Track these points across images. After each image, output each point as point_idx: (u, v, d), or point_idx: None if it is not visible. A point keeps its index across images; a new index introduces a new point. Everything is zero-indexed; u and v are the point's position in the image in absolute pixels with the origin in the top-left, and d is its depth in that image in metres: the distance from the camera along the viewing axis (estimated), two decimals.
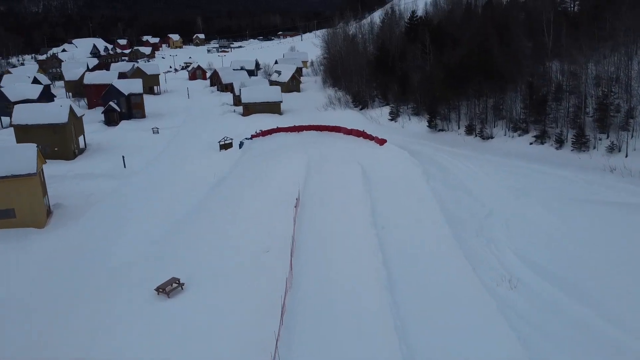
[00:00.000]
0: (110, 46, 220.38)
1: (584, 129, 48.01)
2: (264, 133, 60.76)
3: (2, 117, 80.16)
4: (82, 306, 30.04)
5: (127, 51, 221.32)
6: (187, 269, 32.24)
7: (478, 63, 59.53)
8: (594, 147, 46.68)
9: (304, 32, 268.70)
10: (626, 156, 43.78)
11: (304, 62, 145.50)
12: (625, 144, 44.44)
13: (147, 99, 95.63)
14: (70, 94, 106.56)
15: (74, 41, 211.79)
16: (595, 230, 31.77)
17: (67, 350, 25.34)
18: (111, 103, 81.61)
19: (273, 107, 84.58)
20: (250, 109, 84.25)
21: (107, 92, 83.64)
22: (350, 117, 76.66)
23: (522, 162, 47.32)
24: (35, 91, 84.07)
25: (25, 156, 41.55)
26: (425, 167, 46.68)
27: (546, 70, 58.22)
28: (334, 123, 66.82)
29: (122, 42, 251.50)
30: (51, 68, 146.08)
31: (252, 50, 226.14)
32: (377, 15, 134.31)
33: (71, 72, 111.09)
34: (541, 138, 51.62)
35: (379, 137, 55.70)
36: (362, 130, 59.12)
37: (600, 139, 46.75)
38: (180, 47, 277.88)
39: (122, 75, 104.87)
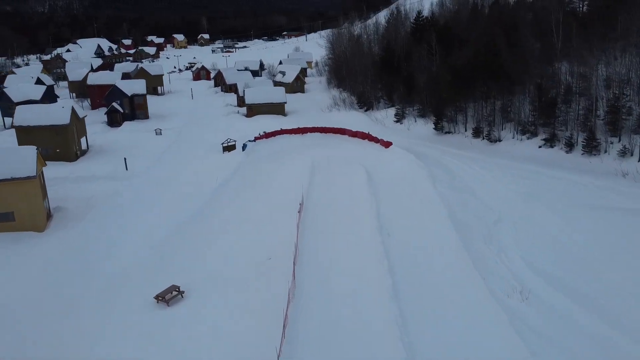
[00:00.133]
0: (114, 46, 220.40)
1: (594, 132, 46.92)
2: (267, 135, 59.96)
3: (4, 118, 79.73)
4: (79, 314, 29.38)
5: (131, 51, 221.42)
6: (188, 276, 31.48)
7: (485, 64, 58.53)
8: (605, 151, 45.58)
9: (309, 33, 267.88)
10: (639, 160, 42.67)
11: (309, 63, 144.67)
12: (638, 147, 43.37)
13: (151, 100, 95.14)
14: (74, 94, 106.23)
15: (78, 41, 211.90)
16: (609, 238, 30.71)
17: None
18: (114, 104, 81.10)
19: (277, 108, 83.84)
20: (254, 110, 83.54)
21: (110, 93, 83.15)
22: (355, 119, 75.77)
23: (530, 166, 46.26)
24: (38, 92, 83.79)
25: (25, 159, 40.95)
26: (432, 170, 45.67)
27: (555, 72, 57.12)
28: (339, 125, 65.92)
29: (127, 42, 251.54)
30: (55, 68, 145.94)
31: (256, 51, 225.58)
32: (382, 16, 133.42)
33: (75, 72, 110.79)
34: (550, 141, 50.54)
35: (384, 140, 54.74)
36: (367, 132, 58.20)
37: (611, 143, 45.66)
38: (185, 47, 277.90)
39: (125, 76, 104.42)
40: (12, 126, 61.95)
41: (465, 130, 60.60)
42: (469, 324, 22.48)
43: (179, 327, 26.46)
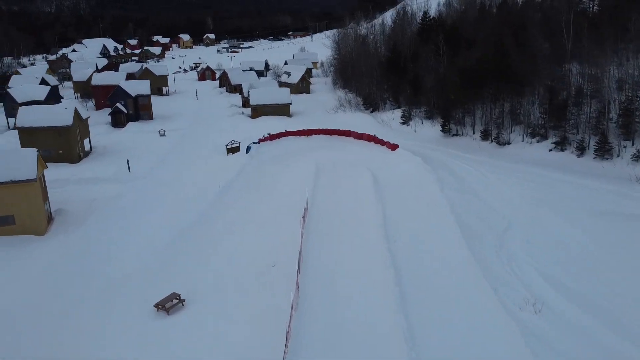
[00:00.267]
0: (120, 46, 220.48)
1: (607, 135, 45.74)
2: (271, 137, 59.12)
3: (8, 119, 79.35)
4: (77, 322, 28.68)
5: (137, 51, 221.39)
6: (189, 282, 30.73)
7: (494, 65, 57.38)
8: (618, 155, 44.39)
9: (315, 33, 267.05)
10: None
11: (314, 63, 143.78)
12: None
13: (155, 100, 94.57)
14: (79, 94, 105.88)
15: (83, 41, 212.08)
16: (624, 247, 29.69)
17: None
18: (118, 104, 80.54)
19: (282, 109, 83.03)
20: (258, 111, 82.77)
21: (114, 94, 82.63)
22: (361, 120, 74.82)
23: (541, 170, 45.16)
24: (42, 92, 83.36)
25: (26, 161, 40.32)
26: (439, 173, 44.70)
27: (565, 73, 55.93)
28: (344, 126, 65.00)
29: (133, 42, 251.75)
30: (60, 68, 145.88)
31: (262, 51, 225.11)
32: (388, 16, 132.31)
33: (80, 72, 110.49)
34: (561, 145, 49.37)
35: (391, 142, 53.76)
36: (373, 134, 57.24)
37: (624, 147, 44.47)
38: (191, 47, 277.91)
39: (130, 76, 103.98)
40: (15, 127, 61.44)
41: (473, 133, 59.47)
42: (480, 337, 21.54)
43: (179, 337, 25.71)
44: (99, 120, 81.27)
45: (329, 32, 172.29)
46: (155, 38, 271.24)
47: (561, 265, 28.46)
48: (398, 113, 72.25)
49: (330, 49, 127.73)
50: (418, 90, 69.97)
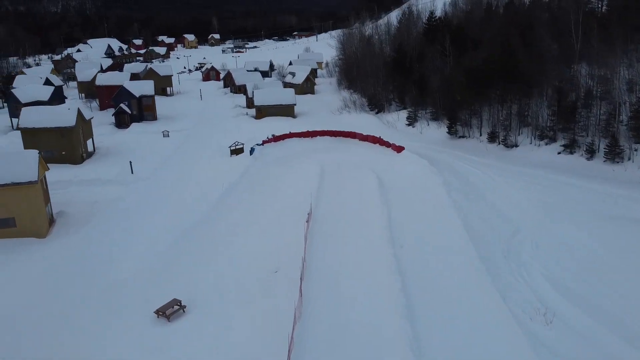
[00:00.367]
0: (125, 46, 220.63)
1: (617, 138, 44.80)
2: (275, 138, 58.50)
3: (12, 119, 79.15)
4: (77, 327, 28.16)
5: (142, 51, 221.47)
6: (190, 287, 30.19)
7: (501, 65, 56.51)
8: (629, 159, 43.48)
9: (319, 33, 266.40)
10: None
11: (319, 63, 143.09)
12: None
13: (160, 101, 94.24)
14: (83, 94, 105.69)
15: (88, 41, 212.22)
16: (637, 253, 28.86)
17: None
18: (122, 105, 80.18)
19: (286, 110, 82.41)
20: (263, 112, 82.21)
21: (118, 94, 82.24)
22: (366, 122, 74.07)
23: (549, 174, 44.27)
24: (46, 93, 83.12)
25: (27, 163, 39.85)
26: (445, 177, 43.95)
27: (574, 74, 55.01)
28: (349, 127, 64.33)
29: (138, 42, 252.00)
30: (65, 69, 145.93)
31: (266, 51, 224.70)
32: (394, 16, 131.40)
33: (84, 72, 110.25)
34: (570, 147, 48.47)
35: (396, 144, 53.01)
36: (378, 136, 56.49)
37: (635, 150, 43.56)
38: (196, 47, 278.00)
39: (134, 76, 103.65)
40: (17, 128, 61.14)
41: (480, 135, 58.59)
42: (488, 349, 20.82)
43: (179, 345, 25.13)
44: (102, 121, 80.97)
45: (334, 32, 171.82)
46: (160, 38, 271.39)
47: (571, 272, 27.69)
48: (403, 114, 71.45)
49: (335, 49, 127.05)
50: (424, 91, 69.16)
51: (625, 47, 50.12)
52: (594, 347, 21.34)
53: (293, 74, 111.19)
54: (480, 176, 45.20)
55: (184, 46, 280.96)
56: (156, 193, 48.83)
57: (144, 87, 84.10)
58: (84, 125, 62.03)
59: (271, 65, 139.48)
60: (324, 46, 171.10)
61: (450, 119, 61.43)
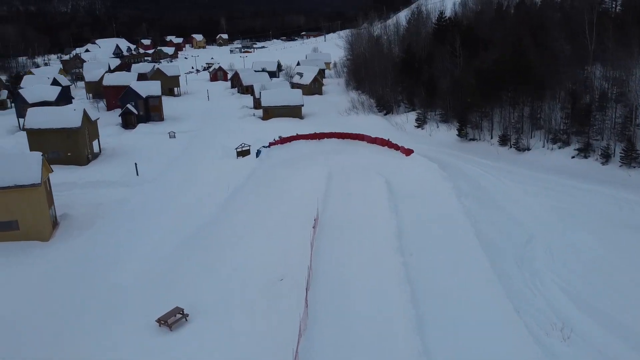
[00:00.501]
0: (133, 46, 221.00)
1: (634, 142, 43.50)
2: (282, 140, 57.64)
3: (19, 119, 79.02)
4: (77, 334, 27.60)
5: (150, 51, 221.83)
6: (193, 295, 29.47)
7: (512, 67, 55.27)
8: None
9: (328, 33, 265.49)
10: None
11: (327, 64, 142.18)
12: None
13: (167, 101, 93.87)
14: (91, 95, 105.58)
15: (97, 41, 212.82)
16: None
17: None
18: (128, 105, 79.81)
19: (294, 111, 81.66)
20: (270, 113, 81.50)
21: (125, 94, 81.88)
22: (374, 123, 73.05)
23: (563, 179, 43.05)
24: (53, 93, 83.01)
25: (30, 165, 39.33)
26: (456, 181, 42.81)
27: (588, 76, 53.69)
28: (357, 129, 63.36)
29: (146, 42, 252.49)
30: (73, 69, 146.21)
31: (274, 51, 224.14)
32: (402, 16, 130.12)
33: (92, 73, 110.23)
34: (584, 151, 47.17)
35: (405, 147, 51.97)
36: (387, 139, 55.45)
37: None
38: (204, 47, 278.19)
39: (141, 77, 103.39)
40: (23, 129, 60.87)
41: (491, 138, 57.35)
42: None
43: (181, 355, 24.37)
44: (109, 121, 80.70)
45: (342, 33, 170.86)
46: (169, 38, 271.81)
47: (588, 284, 26.59)
48: (412, 116, 70.34)
49: (343, 49, 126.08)
50: (433, 93, 68.01)
51: None
52: None
53: (301, 75, 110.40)
54: (492, 180, 44.09)
55: (192, 46, 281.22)
56: (161, 195, 48.20)
57: (151, 88, 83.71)
58: (89, 126, 61.62)
59: (279, 66, 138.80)
60: (332, 46, 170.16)
61: (460, 121, 60.25)
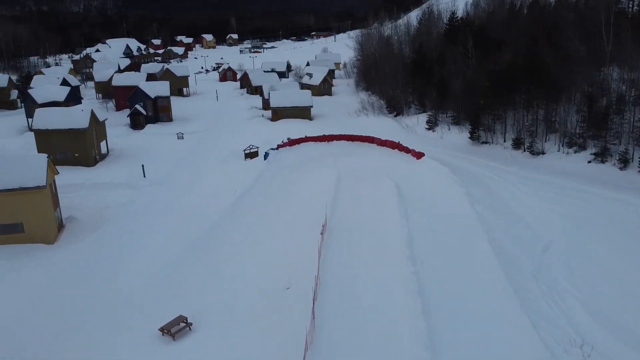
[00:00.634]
0: (143, 46, 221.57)
1: None
2: (291, 143, 56.88)
3: (29, 119, 79.03)
4: (78, 344, 26.94)
5: (160, 51, 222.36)
6: (198, 303, 28.73)
7: (526, 68, 53.94)
8: None
9: (338, 33, 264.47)
10: None
11: (337, 64, 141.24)
12: None
13: (175, 101, 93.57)
14: (100, 95, 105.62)
15: (107, 41, 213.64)
16: None
17: None
18: (137, 106, 79.53)
19: (303, 112, 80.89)
20: (279, 114, 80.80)
21: (134, 95, 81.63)
22: (384, 125, 72.07)
23: (579, 184, 41.71)
24: (62, 93, 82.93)
25: (35, 167, 38.94)
26: (468, 186, 41.69)
27: (604, 78, 52.21)
28: (367, 130, 62.42)
29: (156, 42, 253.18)
30: (84, 68, 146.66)
31: (284, 51, 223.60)
32: (413, 16, 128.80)
33: (101, 73, 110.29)
34: (601, 156, 45.78)
35: (416, 150, 50.91)
36: (397, 141, 54.41)
37: None
38: (214, 47, 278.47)
39: (151, 77, 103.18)
40: (31, 129, 60.68)
41: (504, 141, 56.02)
42: None
43: None
44: (118, 122, 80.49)
45: (352, 33, 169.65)
46: (179, 38, 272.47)
47: (609, 298, 25.40)
48: (423, 118, 69.18)
49: (353, 49, 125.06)
50: (445, 94, 66.79)
51: None
52: None
53: (310, 75, 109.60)
54: (505, 185, 42.90)
55: (202, 46, 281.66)
56: (168, 198, 47.66)
57: (160, 88, 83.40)
58: (97, 126, 61.30)
59: (288, 66, 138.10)
60: (342, 47, 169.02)
61: (472, 124, 59.01)
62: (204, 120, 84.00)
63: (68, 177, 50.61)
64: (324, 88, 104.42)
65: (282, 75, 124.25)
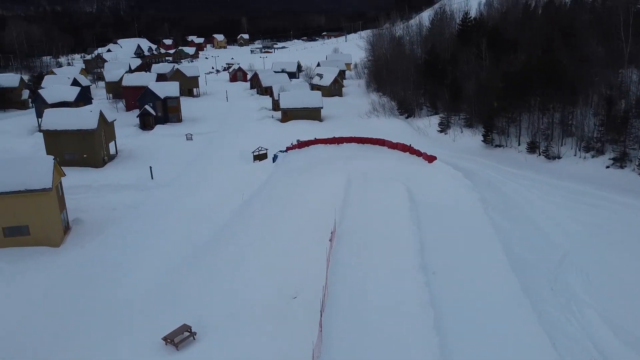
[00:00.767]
0: (154, 46, 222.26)
1: None
2: (300, 145, 56.01)
3: (39, 119, 79.08)
4: (80, 351, 26.40)
5: (171, 51, 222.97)
6: (202, 311, 28.04)
7: (542, 70, 52.50)
8: None
9: (349, 33, 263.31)
10: None
11: (347, 65, 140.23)
12: None
13: (185, 102, 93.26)
14: (111, 95, 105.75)
15: (119, 41, 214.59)
16: None
17: None
18: (147, 106, 79.25)
19: (313, 114, 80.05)
20: (289, 115, 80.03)
21: (143, 95, 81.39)
22: (395, 127, 70.96)
23: (597, 190, 40.32)
24: (72, 93, 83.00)
25: (41, 169, 38.54)
26: (482, 191, 40.50)
27: (623, 80, 50.66)
28: (377, 132, 61.37)
29: (168, 42, 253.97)
30: (95, 68, 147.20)
31: (295, 51, 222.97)
32: (425, 16, 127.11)
33: (112, 73, 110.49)
34: (620, 161, 44.30)
35: (428, 153, 49.76)
36: (408, 144, 53.28)
37: None
38: (224, 48, 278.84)
39: (161, 77, 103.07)
40: (40, 130, 60.56)
41: (519, 145, 54.60)
42: None
43: None
44: (128, 122, 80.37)
45: (364, 33, 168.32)
46: (190, 38, 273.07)
47: (630, 312, 24.20)
48: (435, 120, 67.94)
49: (364, 50, 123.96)
50: (457, 96, 65.49)
51: None
52: None
53: (320, 76, 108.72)
54: (520, 191, 41.63)
55: (213, 46, 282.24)
56: (175, 201, 47.09)
57: (169, 89, 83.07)
58: (106, 127, 61.00)
59: (299, 67, 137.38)
60: (353, 47, 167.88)
61: (485, 127, 57.66)
62: (214, 121, 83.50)
63: (76, 178, 50.38)
64: (335, 89, 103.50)
65: (292, 75, 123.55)
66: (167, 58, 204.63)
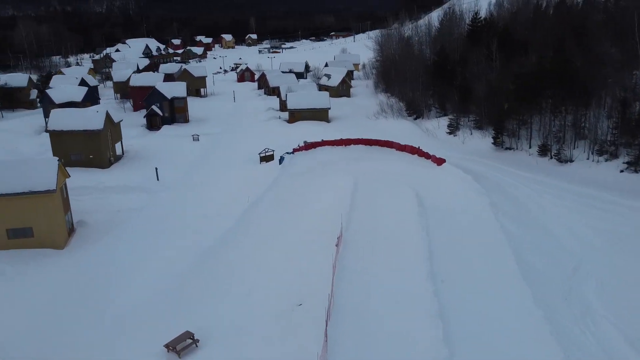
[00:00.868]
0: (162, 46, 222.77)
1: None
2: (307, 147, 55.40)
3: (46, 120, 79.16)
4: (81, 355, 25.86)
5: (179, 51, 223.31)
6: (205, 317, 27.42)
7: (554, 71, 51.48)
8: None
9: (357, 33, 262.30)
10: None
11: (356, 65, 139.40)
12: None
13: (193, 102, 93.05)
14: (119, 95, 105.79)
15: (127, 41, 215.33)
16: None
17: None
18: (154, 107, 79.03)
19: (320, 114, 79.42)
20: (296, 116, 79.47)
21: (150, 95, 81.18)
22: (403, 128, 70.17)
23: (610, 195, 39.33)
24: (80, 93, 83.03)
25: (45, 171, 38.22)
26: (492, 196, 39.59)
27: (638, 82, 49.54)
28: (385, 134, 60.69)
29: (176, 42, 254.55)
30: (103, 68, 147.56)
31: (303, 51, 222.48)
32: (435, 16, 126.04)
33: (120, 73, 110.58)
34: (635, 165, 43.27)
35: (437, 156, 48.92)
36: (417, 146, 52.47)
37: None
38: (233, 48, 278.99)
39: (168, 77, 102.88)
40: (46, 130, 60.45)
41: (530, 147, 53.61)
42: None
43: None
44: (135, 122, 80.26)
45: (372, 33, 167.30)
46: (198, 38, 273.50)
47: None
48: (444, 121, 67.03)
49: (372, 50, 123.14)
50: (467, 97, 64.57)
51: None
52: None
53: (328, 76, 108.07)
54: (531, 195, 40.70)
55: (221, 46, 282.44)
56: (179, 204, 46.64)
57: (176, 89, 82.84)
58: (112, 128, 60.76)
59: (306, 67, 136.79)
60: (361, 47, 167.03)
61: (495, 129, 56.72)
62: (221, 122, 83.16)
63: (81, 179, 50.13)
64: (342, 89, 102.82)
65: (300, 75, 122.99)
66: (175, 58, 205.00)
